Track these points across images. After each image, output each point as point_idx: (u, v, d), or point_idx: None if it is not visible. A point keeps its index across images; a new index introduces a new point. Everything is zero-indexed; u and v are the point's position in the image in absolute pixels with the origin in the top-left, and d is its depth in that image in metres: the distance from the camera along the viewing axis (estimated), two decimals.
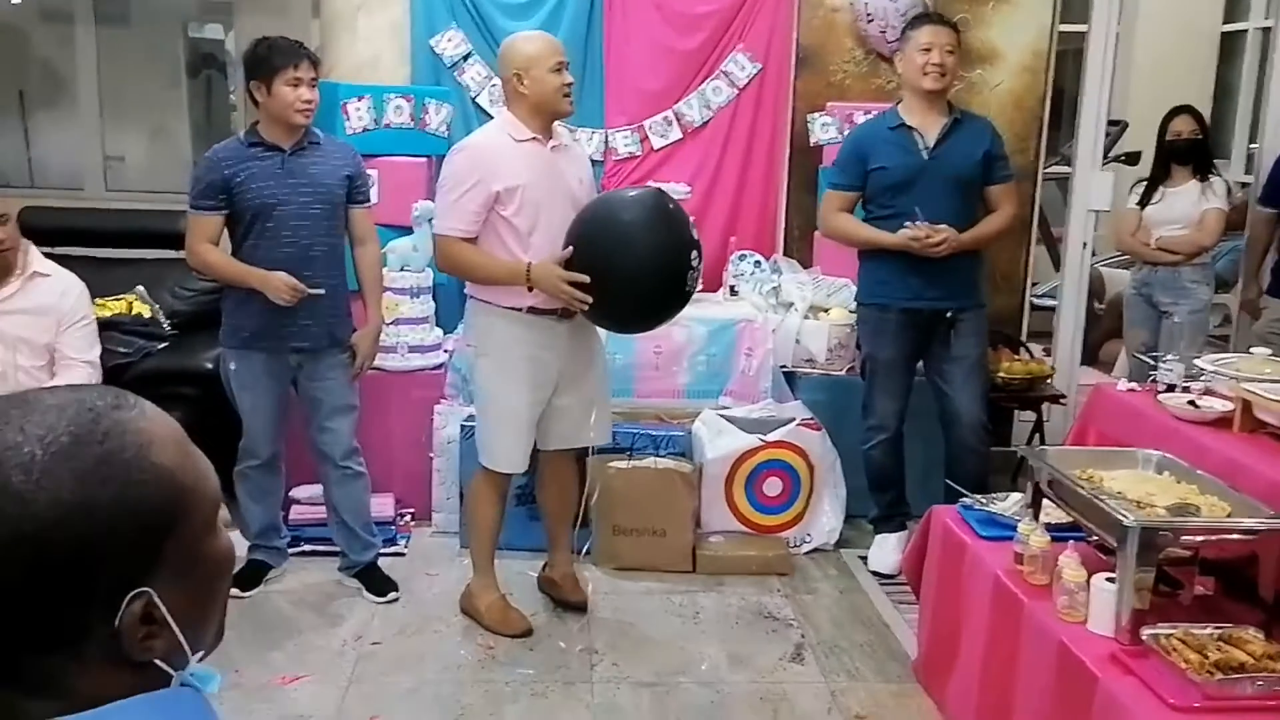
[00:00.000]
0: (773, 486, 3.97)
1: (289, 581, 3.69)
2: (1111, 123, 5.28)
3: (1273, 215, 4.67)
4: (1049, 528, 2.60)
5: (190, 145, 5.51)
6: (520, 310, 3.18)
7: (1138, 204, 4.78)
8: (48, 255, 3.29)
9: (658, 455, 3.90)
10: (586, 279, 3.03)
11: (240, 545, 3.52)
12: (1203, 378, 3.15)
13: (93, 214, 4.90)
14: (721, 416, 4.04)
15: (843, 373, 4.30)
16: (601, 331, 3.44)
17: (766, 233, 4.85)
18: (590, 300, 3.05)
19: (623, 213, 3.11)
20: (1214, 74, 7.52)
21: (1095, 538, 2.46)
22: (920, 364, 3.87)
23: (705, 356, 4.27)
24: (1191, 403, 3.06)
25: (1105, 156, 5.09)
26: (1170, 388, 3.20)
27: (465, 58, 4.61)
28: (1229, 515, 2.35)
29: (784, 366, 4.32)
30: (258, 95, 3.28)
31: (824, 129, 4.61)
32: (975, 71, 4.67)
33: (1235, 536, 2.29)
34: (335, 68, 4.49)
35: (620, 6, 4.66)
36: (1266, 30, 7.11)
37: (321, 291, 3.31)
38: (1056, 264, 5.75)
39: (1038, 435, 4.71)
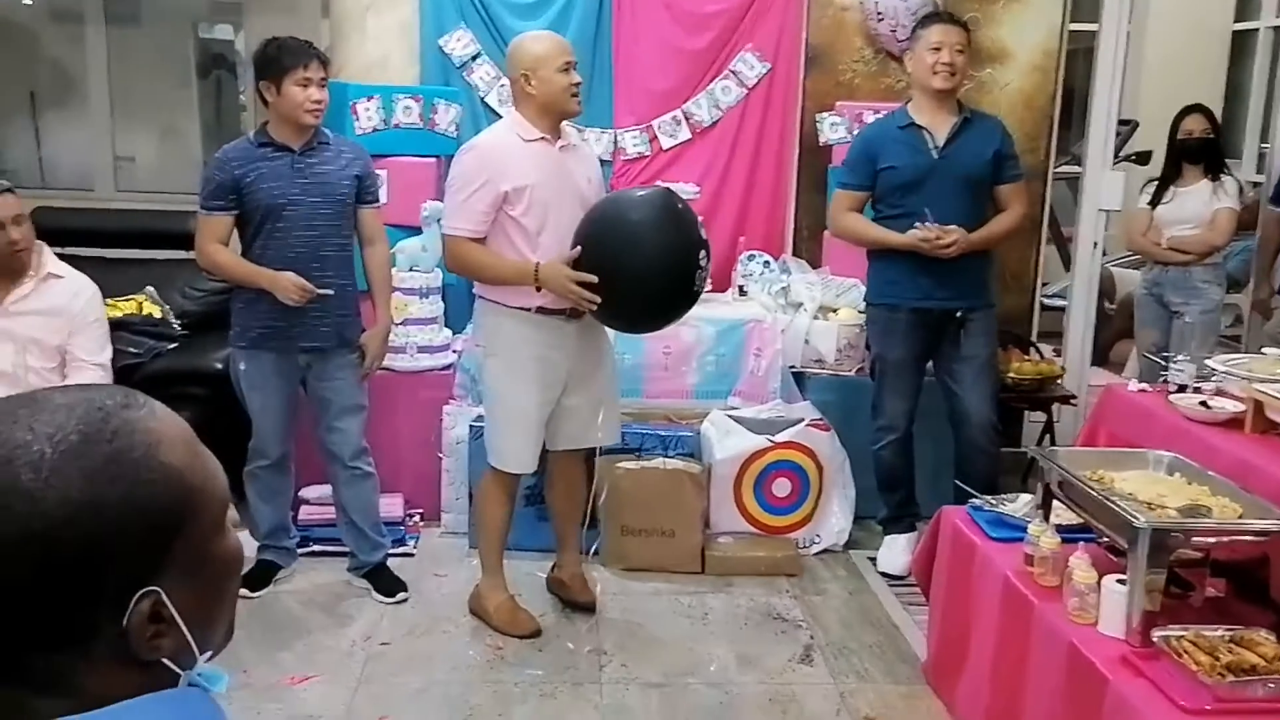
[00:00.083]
0: (782, 487, 3.96)
1: (298, 582, 3.70)
2: (1122, 122, 5.26)
3: None
4: (1059, 529, 2.59)
5: (200, 145, 5.53)
6: (529, 310, 3.18)
7: (1149, 203, 4.77)
8: (58, 255, 3.30)
9: (666, 456, 3.89)
10: (595, 279, 3.03)
11: (249, 545, 3.53)
12: (1214, 378, 3.14)
13: (103, 214, 4.93)
14: (730, 417, 4.03)
15: (852, 373, 4.29)
16: (610, 331, 3.44)
17: (775, 233, 4.84)
18: (599, 300, 3.05)
19: (631, 212, 3.11)
20: (1225, 73, 7.49)
21: (1106, 539, 2.45)
22: (930, 364, 3.85)
23: (714, 357, 4.26)
24: (1203, 403, 3.04)
25: (1116, 156, 5.07)
26: (1181, 388, 3.19)
27: (474, 58, 4.61)
28: (1240, 517, 2.34)
29: (793, 367, 4.31)
30: (267, 95, 3.28)
31: (833, 128, 4.60)
32: (985, 70, 4.65)
33: (1247, 538, 2.28)
34: (344, 68, 4.50)
35: (629, 6, 4.66)
36: (1278, 29, 7.09)
37: (330, 292, 3.32)
38: (1067, 264, 5.73)
39: (1048, 436, 4.70)
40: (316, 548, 3.84)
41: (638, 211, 3.09)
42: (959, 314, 3.70)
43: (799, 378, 4.31)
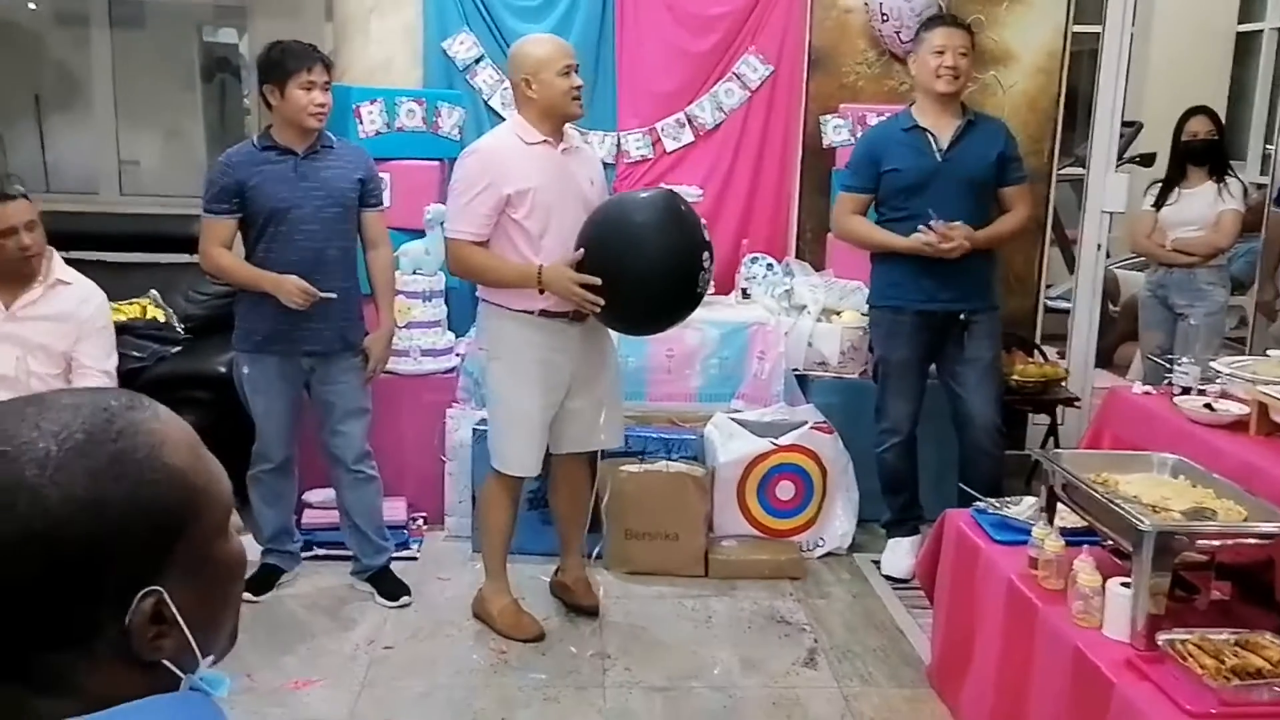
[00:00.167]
0: (785, 490, 3.96)
1: (301, 586, 3.70)
2: (1126, 124, 5.25)
3: None
4: (1063, 532, 2.58)
5: (204, 149, 5.54)
6: (532, 313, 3.18)
7: (1153, 205, 4.76)
8: (62, 259, 3.30)
9: (670, 459, 3.89)
10: (598, 281, 3.02)
11: (253, 549, 3.53)
12: (1219, 380, 3.14)
13: (107, 218, 4.93)
14: (733, 420, 4.03)
15: (855, 376, 4.28)
16: (614, 334, 3.44)
17: (779, 235, 4.83)
18: (602, 302, 3.04)
19: (634, 214, 3.10)
20: (1229, 74, 7.48)
21: (1110, 542, 2.44)
22: (933, 367, 3.85)
23: (717, 360, 4.26)
24: (1207, 405, 3.04)
25: (1120, 158, 5.06)
26: (1186, 390, 3.18)
27: (477, 61, 4.61)
28: (1245, 519, 2.34)
29: (796, 369, 4.31)
30: (271, 99, 3.29)
31: (836, 131, 4.59)
32: (989, 73, 4.65)
33: (1252, 541, 2.27)
34: (348, 71, 4.50)
35: (632, 8, 4.65)
36: None
37: (334, 295, 3.32)
38: (1071, 266, 5.72)
39: (1052, 438, 4.69)
40: (320, 551, 3.85)
41: (641, 214, 3.09)
42: (963, 316, 3.69)
43: (802, 380, 4.31)
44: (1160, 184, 4.81)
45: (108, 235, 4.64)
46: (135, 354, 4.06)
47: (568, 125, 3.26)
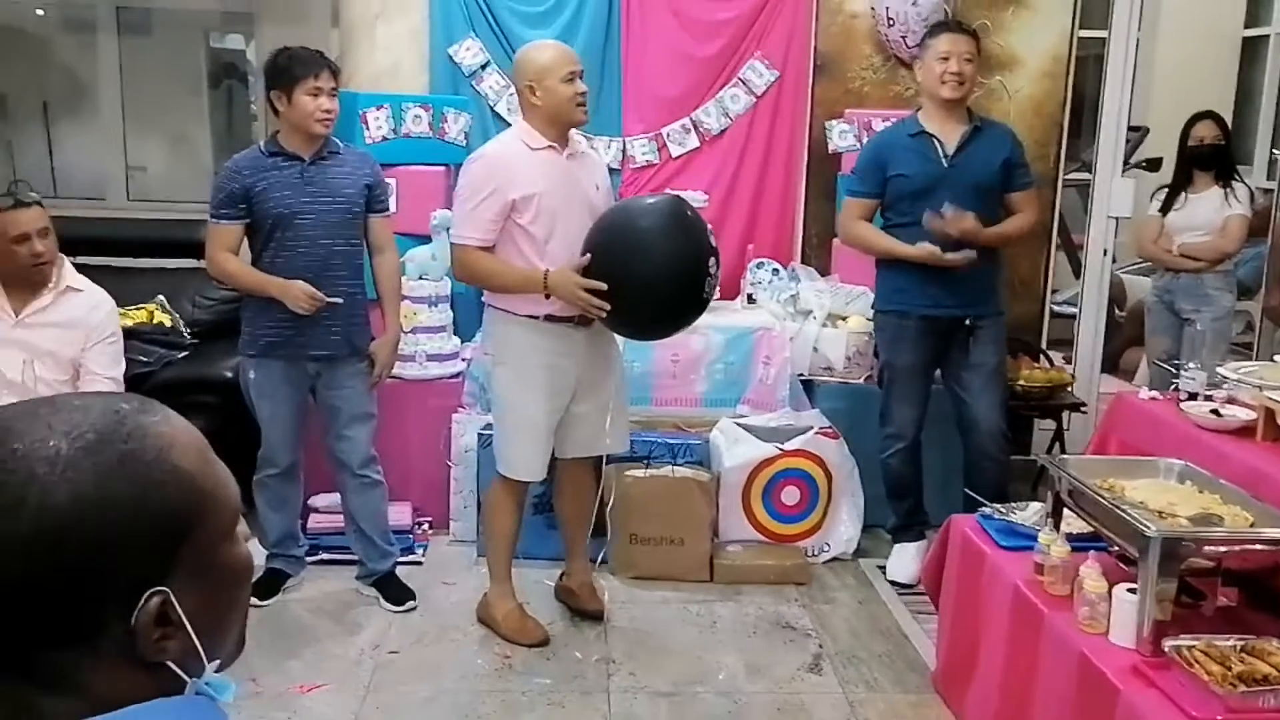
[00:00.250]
0: (790, 495, 3.96)
1: (307, 590, 3.70)
2: (1132, 128, 5.25)
3: None
4: (1070, 538, 2.58)
5: (211, 155, 5.56)
6: (537, 318, 3.18)
7: (1159, 210, 4.76)
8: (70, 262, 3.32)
9: (675, 464, 3.89)
10: (604, 286, 3.03)
11: (258, 554, 3.53)
12: (1225, 386, 3.13)
13: (114, 223, 4.95)
14: (739, 425, 4.03)
15: (861, 381, 4.28)
16: (619, 339, 3.44)
17: (784, 240, 4.84)
18: (608, 307, 3.05)
19: (641, 219, 3.11)
20: (1235, 79, 7.47)
21: (1116, 548, 2.44)
22: (938, 372, 3.85)
23: (723, 365, 4.26)
24: (1214, 411, 3.03)
25: (1126, 163, 5.06)
26: (1192, 396, 3.17)
27: (483, 66, 4.62)
28: (1252, 525, 2.33)
29: (802, 375, 4.30)
30: (278, 105, 3.30)
31: (842, 136, 4.59)
32: (995, 78, 4.65)
33: (1258, 547, 2.27)
34: (354, 76, 4.51)
35: (638, 14, 4.66)
36: None
37: (340, 300, 3.33)
38: (1077, 271, 5.71)
39: (1058, 444, 4.68)
40: (325, 556, 3.85)
41: (647, 219, 3.10)
42: (968, 321, 3.69)
43: (808, 386, 4.31)
44: (1166, 189, 4.80)
45: (115, 240, 4.66)
46: (142, 359, 4.07)
47: (573, 130, 3.26)
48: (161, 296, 4.45)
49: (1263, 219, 5.00)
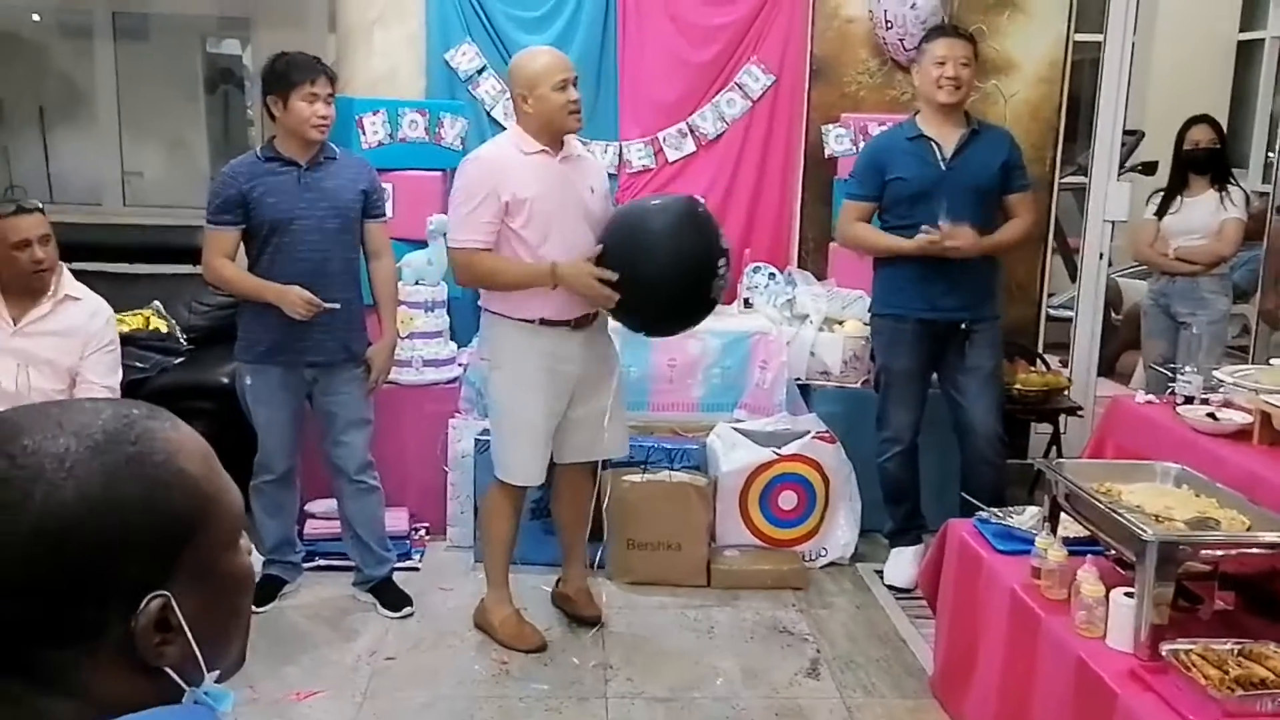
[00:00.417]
0: (788, 500, 3.96)
1: (303, 596, 3.69)
2: (1128, 132, 5.26)
3: None
4: (1066, 542, 2.58)
5: (208, 160, 5.55)
6: (533, 322, 3.18)
7: (1155, 214, 4.76)
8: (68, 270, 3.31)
9: (672, 469, 3.88)
10: (615, 276, 3.03)
11: (255, 560, 3.53)
12: (1221, 389, 3.13)
13: (111, 229, 4.94)
14: (736, 430, 4.03)
15: (857, 385, 4.28)
16: (618, 344, 3.44)
17: (781, 245, 4.84)
18: (617, 296, 3.05)
19: (653, 215, 3.13)
20: (1230, 83, 7.48)
21: (1113, 552, 2.44)
22: (935, 376, 3.85)
23: (720, 369, 4.26)
24: (1210, 415, 3.03)
25: (1122, 166, 5.07)
26: (1189, 399, 3.17)
27: (480, 71, 4.62)
28: (1249, 529, 2.33)
29: (798, 379, 4.30)
30: (275, 110, 3.30)
31: (838, 140, 4.60)
32: (990, 82, 4.66)
33: (1255, 551, 2.27)
34: (351, 82, 4.51)
35: (634, 19, 4.67)
36: None
37: (337, 306, 3.32)
38: (1073, 275, 5.72)
39: (1055, 448, 4.68)
40: (322, 562, 3.84)
41: (660, 215, 3.12)
42: (964, 325, 3.69)
43: (805, 390, 4.31)
44: (1162, 193, 4.81)
45: (111, 246, 4.66)
46: (138, 365, 4.07)
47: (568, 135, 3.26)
48: (158, 302, 4.45)
49: (1258, 222, 5.00)
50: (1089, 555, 2.45)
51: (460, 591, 3.74)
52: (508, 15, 4.62)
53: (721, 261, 3.09)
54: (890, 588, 3.84)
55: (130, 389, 3.71)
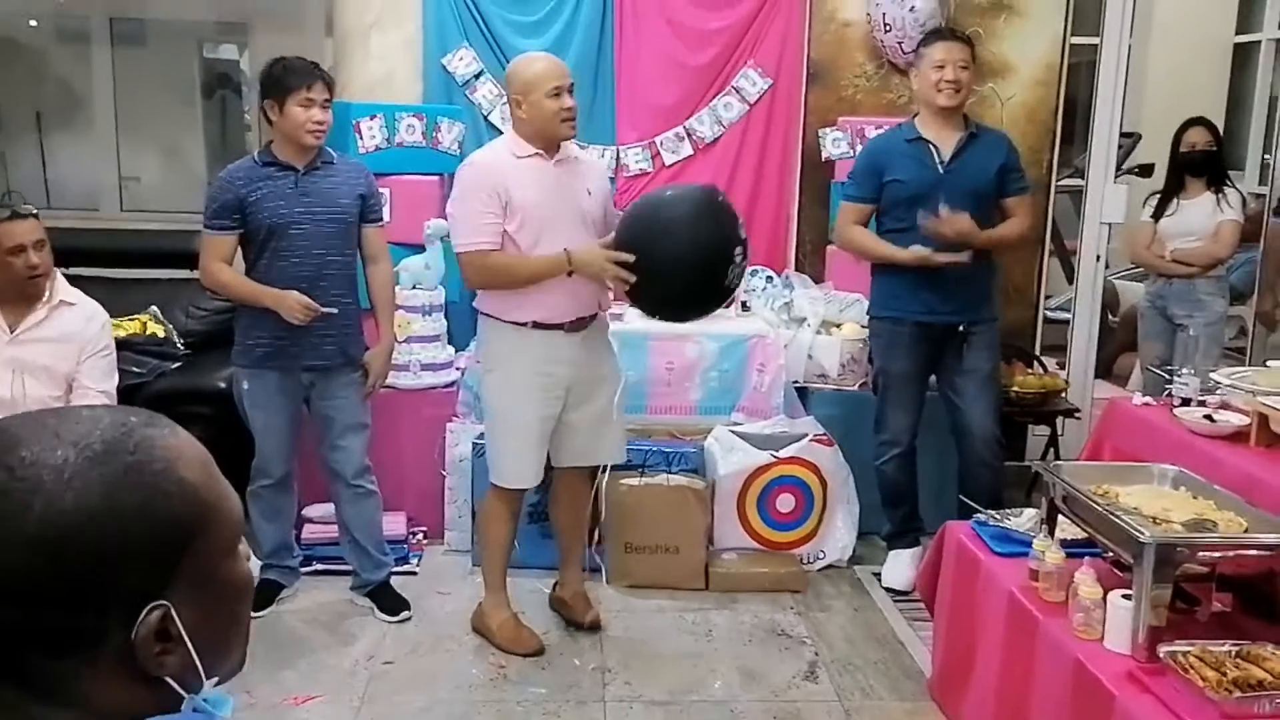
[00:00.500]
0: (785, 503, 3.95)
1: (301, 601, 3.69)
2: (1125, 135, 5.26)
3: None
4: (1064, 544, 2.58)
5: (205, 165, 5.56)
6: (525, 325, 3.18)
7: (1152, 216, 4.77)
8: (63, 275, 3.31)
9: (670, 472, 3.88)
10: (631, 258, 3.03)
11: (252, 565, 3.52)
12: (1219, 391, 3.13)
13: (108, 234, 4.94)
14: (734, 433, 4.03)
15: (855, 388, 4.29)
16: (617, 349, 3.44)
17: (778, 248, 4.84)
18: (633, 278, 3.05)
19: (671, 202, 3.13)
20: (1227, 85, 7.49)
21: (1111, 554, 2.44)
22: (933, 378, 3.85)
23: (717, 372, 4.26)
24: (1208, 417, 3.04)
25: (1118, 169, 5.07)
26: (1186, 401, 3.18)
27: (477, 76, 4.63)
28: (1246, 531, 2.33)
29: (796, 382, 4.30)
30: (271, 115, 3.30)
31: (835, 144, 4.60)
32: (987, 85, 4.66)
33: (1253, 552, 2.27)
34: (348, 86, 4.52)
35: (632, 23, 4.67)
36: (1279, 41, 7.10)
37: (334, 310, 3.32)
38: (1070, 277, 5.72)
39: (1052, 450, 4.68)
40: (319, 566, 3.84)
41: (678, 202, 3.12)
42: (962, 327, 3.69)
43: (802, 393, 4.31)
44: (1159, 195, 4.82)
45: (108, 251, 4.66)
46: (135, 369, 4.07)
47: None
48: (155, 307, 4.44)
49: (1255, 224, 5.01)
50: (1087, 557, 2.45)
51: (458, 595, 3.73)
52: (505, 20, 4.62)
53: (738, 250, 3.09)
54: (888, 590, 3.84)
55: (127, 394, 3.71)
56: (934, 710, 3.05)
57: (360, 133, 4.18)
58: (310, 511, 3.89)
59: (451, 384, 4.19)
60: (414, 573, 3.90)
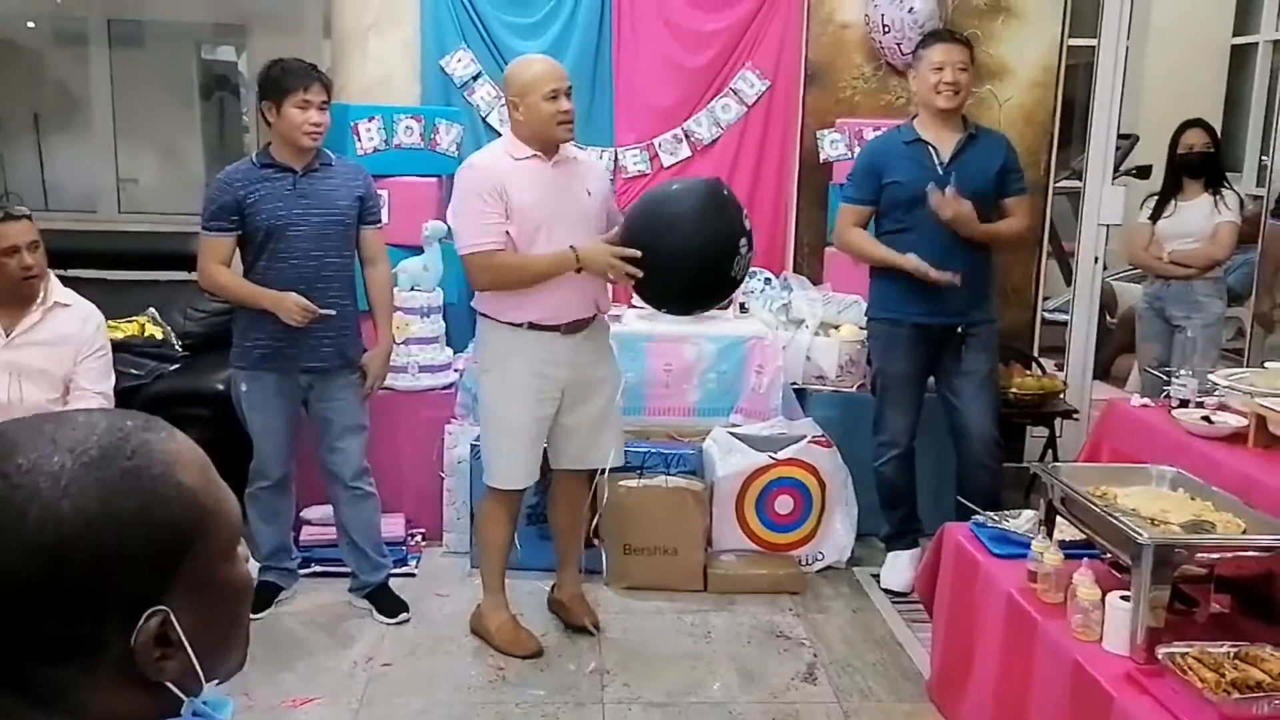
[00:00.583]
0: (784, 504, 3.95)
1: (299, 603, 3.69)
2: (1122, 136, 5.27)
3: None
4: (1062, 545, 2.58)
5: (203, 167, 5.55)
6: (521, 325, 3.18)
7: (1149, 218, 4.77)
8: (61, 277, 3.30)
9: (668, 473, 3.88)
10: (637, 253, 3.04)
11: (250, 567, 3.51)
12: (1216, 392, 3.13)
13: (106, 236, 4.94)
14: (732, 434, 4.03)
15: (853, 389, 4.29)
16: (616, 351, 3.44)
17: (776, 250, 4.84)
18: (639, 274, 3.05)
19: (676, 195, 3.14)
20: (1224, 87, 7.51)
21: (1109, 555, 2.44)
22: (931, 380, 3.85)
23: (715, 374, 4.26)
24: (1205, 418, 3.04)
25: (1116, 170, 5.08)
26: (1184, 403, 3.18)
27: (475, 78, 4.63)
28: (1244, 532, 2.33)
29: (794, 384, 4.30)
30: (269, 116, 3.30)
31: (833, 145, 4.61)
32: (985, 87, 4.66)
33: (1251, 553, 2.27)
34: (346, 88, 4.51)
35: (629, 24, 4.67)
36: (1277, 43, 7.11)
37: (333, 312, 3.32)
38: (1068, 278, 5.73)
39: (1050, 451, 4.68)
40: (318, 568, 3.84)
41: (682, 194, 3.13)
42: (960, 329, 3.69)
43: (800, 394, 4.31)
44: (1156, 196, 4.82)
45: (106, 253, 4.65)
46: (133, 371, 4.07)
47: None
48: (153, 309, 4.44)
49: (1252, 226, 5.02)
50: (1085, 559, 2.45)
51: (456, 597, 3.73)
52: (502, 21, 4.62)
53: (743, 241, 3.09)
54: (887, 592, 3.84)
55: (125, 396, 3.71)
56: (932, 711, 3.05)
57: (358, 134, 4.18)
58: (308, 513, 3.89)
59: (450, 386, 4.19)
60: (412, 574, 3.90)
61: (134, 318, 4.34)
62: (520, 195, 3.10)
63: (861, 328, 4.14)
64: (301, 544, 3.83)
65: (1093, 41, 4.79)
